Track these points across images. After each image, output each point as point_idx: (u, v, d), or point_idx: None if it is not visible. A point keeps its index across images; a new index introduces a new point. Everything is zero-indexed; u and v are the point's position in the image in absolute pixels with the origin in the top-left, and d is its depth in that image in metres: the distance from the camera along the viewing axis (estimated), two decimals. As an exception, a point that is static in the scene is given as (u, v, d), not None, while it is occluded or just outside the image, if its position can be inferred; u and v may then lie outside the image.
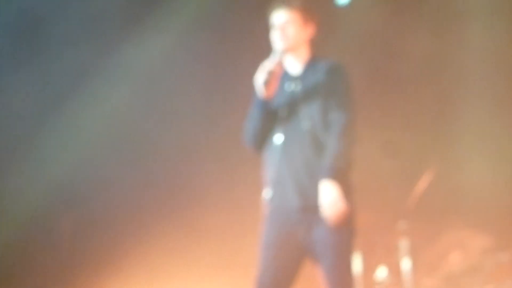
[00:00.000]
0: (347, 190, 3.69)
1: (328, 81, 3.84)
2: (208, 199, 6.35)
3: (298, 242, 3.74)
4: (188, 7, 6.30)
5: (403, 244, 5.81)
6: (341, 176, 3.66)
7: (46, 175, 6.19)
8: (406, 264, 5.80)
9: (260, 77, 3.82)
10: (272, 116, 3.88)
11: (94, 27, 6.14)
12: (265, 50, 3.89)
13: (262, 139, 3.93)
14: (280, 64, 3.85)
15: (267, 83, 3.82)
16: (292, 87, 3.91)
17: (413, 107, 6.40)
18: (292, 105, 3.87)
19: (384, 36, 6.40)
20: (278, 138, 3.88)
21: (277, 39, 3.90)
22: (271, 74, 3.81)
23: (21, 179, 6.19)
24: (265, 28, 3.96)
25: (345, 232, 3.69)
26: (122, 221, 6.35)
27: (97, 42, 6.17)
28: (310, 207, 3.72)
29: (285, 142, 3.85)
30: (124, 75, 6.30)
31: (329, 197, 3.62)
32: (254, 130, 3.93)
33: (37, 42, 6.07)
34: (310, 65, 3.94)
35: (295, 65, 3.98)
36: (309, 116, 3.81)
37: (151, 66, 6.31)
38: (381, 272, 5.98)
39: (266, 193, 3.86)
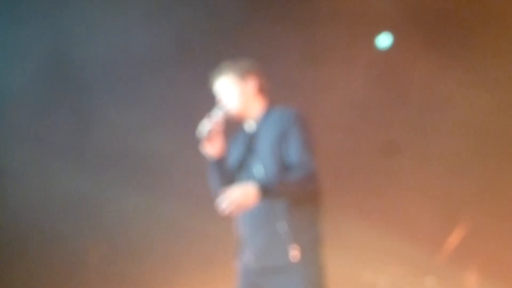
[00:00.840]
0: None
1: (282, 132, 3.68)
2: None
3: None
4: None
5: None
6: (267, 193, 3.46)
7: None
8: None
9: (199, 136, 3.72)
10: (232, 174, 3.78)
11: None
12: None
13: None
14: (220, 122, 3.72)
15: (207, 141, 3.70)
16: (246, 144, 3.80)
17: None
18: (246, 164, 3.75)
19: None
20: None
21: (224, 107, 3.78)
22: (210, 132, 3.69)
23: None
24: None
25: None
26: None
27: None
28: (266, 268, 3.63)
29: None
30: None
31: (242, 197, 3.44)
32: (216, 188, 3.78)
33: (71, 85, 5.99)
34: (263, 119, 3.81)
35: (249, 122, 3.85)
36: (262, 175, 3.66)
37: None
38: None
39: (235, 250, 3.81)
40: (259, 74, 3.84)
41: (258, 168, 3.65)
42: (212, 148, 3.72)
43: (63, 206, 6.05)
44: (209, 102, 3.76)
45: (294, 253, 3.54)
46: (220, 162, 3.75)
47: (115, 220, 6.11)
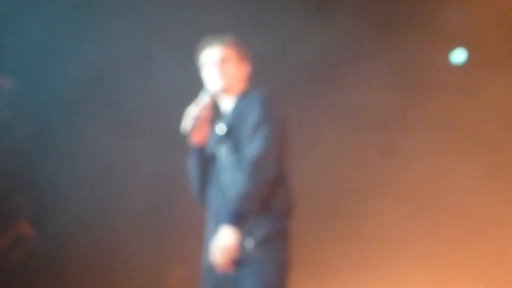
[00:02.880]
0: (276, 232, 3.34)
1: (243, 115, 3.43)
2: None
3: None
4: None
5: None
6: (244, 219, 3.26)
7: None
8: None
9: (186, 124, 3.49)
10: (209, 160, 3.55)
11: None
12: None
13: (203, 192, 3.57)
14: (208, 107, 3.50)
15: (194, 129, 3.49)
16: (219, 128, 3.52)
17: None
18: (218, 150, 3.50)
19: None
20: (209, 191, 3.53)
21: (213, 77, 3.52)
22: (198, 119, 3.48)
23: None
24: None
25: None
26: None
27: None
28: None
29: (211, 195, 3.50)
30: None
31: (220, 243, 3.25)
32: (195, 182, 3.59)
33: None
34: (238, 101, 3.54)
35: (227, 102, 3.58)
36: (225, 161, 3.42)
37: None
38: None
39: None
40: (251, 65, 3.61)
41: (224, 163, 3.41)
42: (197, 136, 3.52)
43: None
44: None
45: (248, 246, 3.30)
46: (202, 151, 3.54)
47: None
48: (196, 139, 3.53)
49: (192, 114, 3.48)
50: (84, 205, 5.79)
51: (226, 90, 3.54)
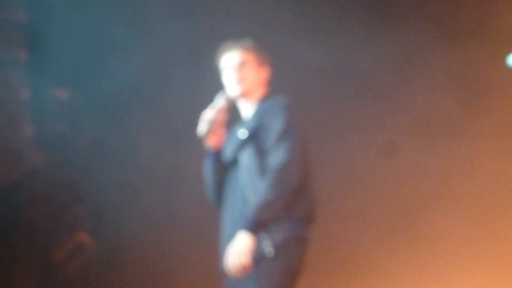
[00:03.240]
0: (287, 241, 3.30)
1: (266, 121, 3.39)
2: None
3: None
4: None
5: None
6: (263, 227, 3.25)
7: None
8: None
9: (201, 127, 3.46)
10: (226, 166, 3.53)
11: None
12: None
13: (219, 196, 3.55)
14: (224, 110, 3.47)
15: (209, 132, 3.46)
16: (240, 133, 3.50)
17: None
18: (236, 156, 3.47)
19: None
20: (225, 195, 3.51)
21: (232, 81, 3.50)
22: (213, 122, 3.44)
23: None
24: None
25: None
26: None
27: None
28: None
29: (228, 199, 3.48)
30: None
31: (236, 249, 3.25)
32: (210, 186, 3.57)
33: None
34: (259, 107, 3.50)
35: (246, 107, 3.56)
36: (247, 166, 3.39)
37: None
38: None
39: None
40: (271, 69, 3.59)
41: (244, 168, 3.39)
42: (213, 140, 3.50)
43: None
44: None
45: (269, 251, 3.28)
46: (218, 155, 3.52)
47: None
48: (212, 142, 3.51)
49: (207, 117, 3.45)
50: (140, 213, 5.82)
51: (245, 95, 3.52)
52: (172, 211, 5.89)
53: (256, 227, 3.25)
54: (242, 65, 3.50)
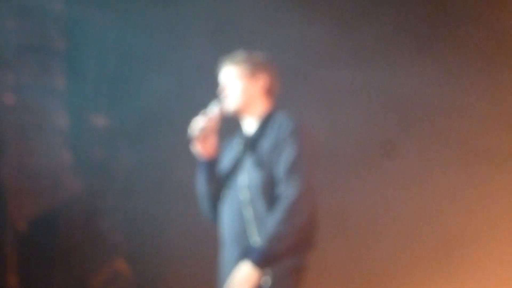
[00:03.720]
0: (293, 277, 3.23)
1: (276, 143, 3.28)
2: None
3: None
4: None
5: None
6: (269, 263, 3.16)
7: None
8: None
9: (191, 134, 3.38)
10: (221, 179, 3.43)
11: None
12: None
13: (213, 209, 3.47)
14: (216, 118, 3.37)
15: (200, 140, 3.38)
16: (239, 147, 3.42)
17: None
18: (235, 170, 3.38)
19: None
20: (222, 211, 3.41)
21: (226, 98, 3.42)
22: (204, 130, 3.36)
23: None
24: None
25: None
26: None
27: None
28: None
29: (226, 216, 3.39)
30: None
31: (240, 280, 3.16)
32: (203, 198, 3.48)
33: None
34: (264, 122, 3.39)
35: (249, 122, 3.45)
36: (248, 185, 3.29)
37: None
38: None
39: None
40: (273, 73, 3.47)
41: (244, 186, 3.30)
42: (203, 148, 3.39)
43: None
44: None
45: (266, 280, 3.18)
46: (210, 164, 3.41)
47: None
48: (203, 150, 3.41)
49: (199, 125, 3.37)
50: (179, 241, 5.79)
51: (243, 111, 3.44)
52: (212, 239, 5.87)
53: (266, 261, 3.15)
54: (231, 80, 3.42)
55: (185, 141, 5.86)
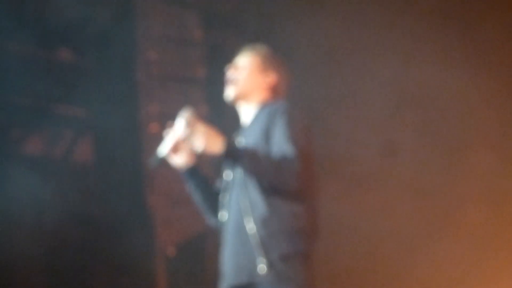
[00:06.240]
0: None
1: (267, 125, 3.23)
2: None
3: None
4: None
5: None
6: (233, 155, 3.11)
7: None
8: None
9: (163, 151, 3.32)
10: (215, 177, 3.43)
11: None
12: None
13: (215, 211, 3.40)
14: (183, 129, 3.24)
15: (173, 153, 3.34)
16: (237, 137, 3.38)
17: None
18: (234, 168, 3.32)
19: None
20: (222, 214, 3.35)
21: (228, 81, 3.40)
22: (175, 143, 3.32)
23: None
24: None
25: None
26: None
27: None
28: (242, 285, 3.14)
29: (229, 214, 3.29)
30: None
31: (206, 134, 3.10)
32: (202, 206, 3.44)
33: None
34: (259, 112, 3.36)
35: (247, 111, 3.41)
36: (243, 173, 3.20)
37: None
38: None
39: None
40: (283, 74, 3.44)
41: (240, 181, 3.23)
42: (179, 158, 3.38)
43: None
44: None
45: (261, 268, 3.08)
46: (193, 169, 3.39)
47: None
48: (181, 160, 3.39)
49: (168, 140, 3.34)
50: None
51: (241, 98, 3.40)
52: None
53: (234, 153, 3.13)
54: (240, 67, 3.43)
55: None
